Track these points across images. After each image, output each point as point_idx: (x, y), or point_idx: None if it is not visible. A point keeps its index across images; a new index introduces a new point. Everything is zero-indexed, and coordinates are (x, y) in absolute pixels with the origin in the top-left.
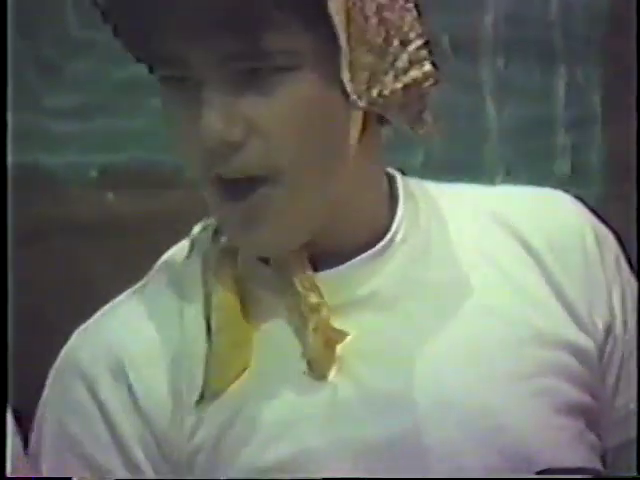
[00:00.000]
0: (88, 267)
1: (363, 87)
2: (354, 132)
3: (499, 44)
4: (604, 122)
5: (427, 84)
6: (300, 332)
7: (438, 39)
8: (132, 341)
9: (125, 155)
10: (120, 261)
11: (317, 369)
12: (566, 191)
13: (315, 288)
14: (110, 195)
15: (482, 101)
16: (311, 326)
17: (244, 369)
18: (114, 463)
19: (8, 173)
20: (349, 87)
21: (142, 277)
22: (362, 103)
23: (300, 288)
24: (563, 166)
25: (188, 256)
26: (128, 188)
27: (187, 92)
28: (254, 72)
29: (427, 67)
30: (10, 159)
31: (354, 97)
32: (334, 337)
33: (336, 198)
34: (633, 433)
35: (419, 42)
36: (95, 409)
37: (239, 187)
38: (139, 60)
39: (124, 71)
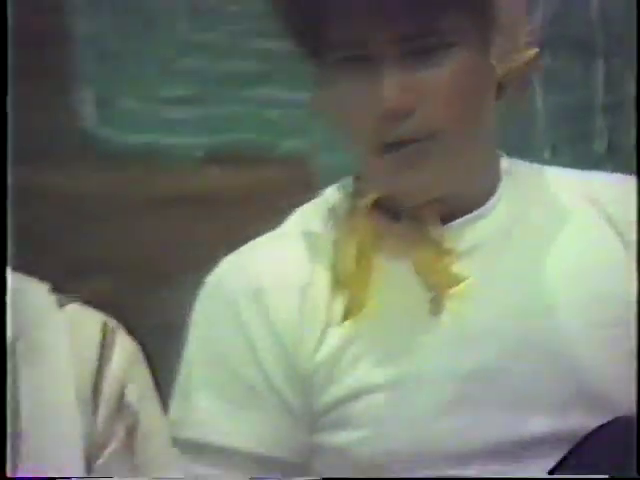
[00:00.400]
0: (197, 232)
1: (502, 60)
2: (491, 102)
3: (546, 41)
4: (637, 107)
5: (535, 62)
6: (424, 275)
7: None
8: (269, 272)
9: (228, 136)
10: (224, 226)
11: (436, 306)
12: (603, 168)
13: (445, 237)
14: (215, 170)
15: (532, 90)
16: (438, 270)
17: (365, 304)
18: (254, 377)
19: (127, 151)
20: (494, 62)
21: (242, 240)
22: (502, 74)
23: (435, 237)
24: (601, 146)
25: (320, 211)
26: (231, 164)
27: (363, 69)
28: (424, 48)
29: (534, 49)
30: (130, 141)
31: (498, 69)
32: (454, 280)
33: (470, 158)
34: None
35: (528, 26)
36: (237, 328)
37: (401, 144)
38: (309, 50)
39: (226, 66)
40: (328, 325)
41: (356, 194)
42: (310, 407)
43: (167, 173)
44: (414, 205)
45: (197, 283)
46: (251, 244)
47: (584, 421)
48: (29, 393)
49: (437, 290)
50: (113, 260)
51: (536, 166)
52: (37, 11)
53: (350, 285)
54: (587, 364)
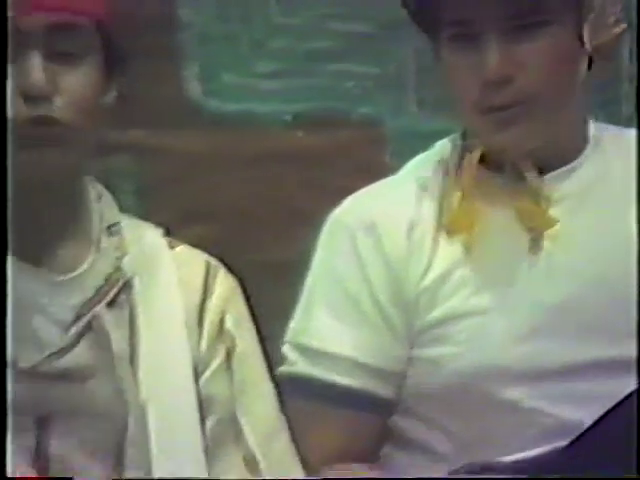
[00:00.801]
0: (285, 185)
1: (590, 37)
2: (582, 72)
3: None
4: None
5: (621, 39)
6: (524, 219)
7: None
8: (383, 209)
9: (312, 104)
10: (307, 179)
11: (534, 246)
12: (629, 127)
13: (542, 186)
14: (300, 133)
15: None
16: (537, 214)
17: (470, 243)
18: (366, 299)
19: (227, 117)
20: (586, 37)
21: (322, 189)
22: (590, 49)
23: (534, 186)
24: (628, 108)
25: (431, 161)
26: (313, 127)
27: (471, 44)
28: (524, 26)
29: (622, 25)
30: (230, 108)
31: (587, 45)
32: (550, 223)
33: (562, 120)
34: None
35: (617, 6)
36: (353, 257)
37: (502, 107)
38: (427, 29)
39: (310, 45)
40: (433, 257)
41: (464, 148)
42: (412, 326)
43: (260, 135)
44: (515, 158)
45: (285, 226)
46: (370, 186)
47: None
48: (145, 321)
49: (535, 232)
50: (215, 208)
51: (618, 129)
52: (153, 3)
53: (454, 225)
54: None
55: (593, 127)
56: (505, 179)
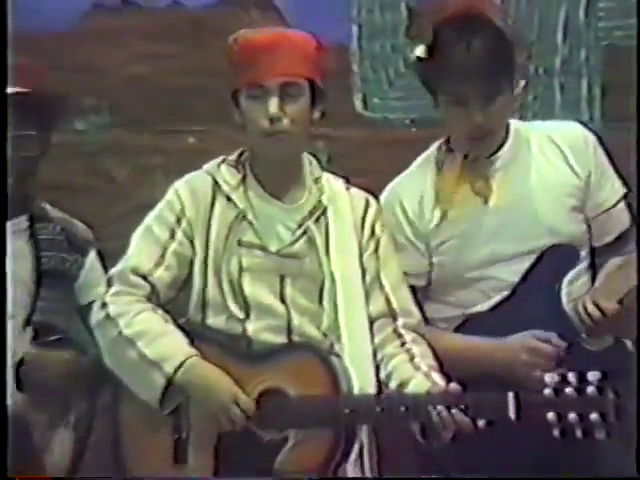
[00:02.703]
0: (404, 156)
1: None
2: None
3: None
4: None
5: None
6: (476, 189)
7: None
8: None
9: (420, 113)
10: (416, 154)
11: (485, 200)
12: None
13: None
14: (414, 129)
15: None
16: (485, 184)
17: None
18: (407, 237)
19: (375, 122)
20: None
21: None
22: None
23: (484, 167)
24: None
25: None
26: (422, 127)
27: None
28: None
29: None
30: (376, 116)
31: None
32: (489, 188)
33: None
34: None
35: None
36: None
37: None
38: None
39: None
40: (433, 215)
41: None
42: (428, 246)
43: (392, 130)
44: (476, 154)
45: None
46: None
47: (552, 240)
48: (334, 230)
49: (483, 194)
50: (371, 169)
51: (522, 123)
52: (334, 62)
53: (446, 201)
54: (552, 218)
55: (513, 124)
56: (467, 163)
